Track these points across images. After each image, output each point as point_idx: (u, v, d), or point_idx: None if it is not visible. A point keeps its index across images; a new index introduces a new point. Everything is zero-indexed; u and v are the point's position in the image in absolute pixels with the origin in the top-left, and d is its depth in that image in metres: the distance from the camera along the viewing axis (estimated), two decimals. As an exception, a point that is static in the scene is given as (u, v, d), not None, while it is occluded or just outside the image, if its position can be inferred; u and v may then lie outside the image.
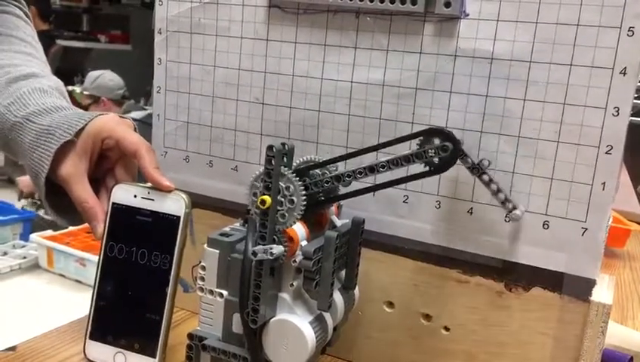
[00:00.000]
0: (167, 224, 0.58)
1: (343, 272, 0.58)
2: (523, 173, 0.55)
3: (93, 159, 0.61)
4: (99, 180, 0.63)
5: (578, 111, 0.53)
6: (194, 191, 0.68)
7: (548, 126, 0.54)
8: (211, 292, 0.56)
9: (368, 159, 0.55)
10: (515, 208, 0.54)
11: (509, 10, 0.54)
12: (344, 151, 0.62)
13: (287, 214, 0.51)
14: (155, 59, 0.71)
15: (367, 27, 0.60)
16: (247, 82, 0.66)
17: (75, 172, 0.59)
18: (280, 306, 0.54)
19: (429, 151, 0.50)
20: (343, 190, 0.56)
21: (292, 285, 0.53)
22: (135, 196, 0.59)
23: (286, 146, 0.51)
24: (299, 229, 0.52)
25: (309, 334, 0.52)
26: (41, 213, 3.46)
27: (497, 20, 0.54)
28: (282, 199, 0.51)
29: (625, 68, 0.51)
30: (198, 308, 0.57)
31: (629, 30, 0.50)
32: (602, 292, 0.55)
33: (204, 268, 0.56)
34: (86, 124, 0.60)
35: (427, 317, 0.61)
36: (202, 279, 0.56)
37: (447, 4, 0.55)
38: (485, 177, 0.53)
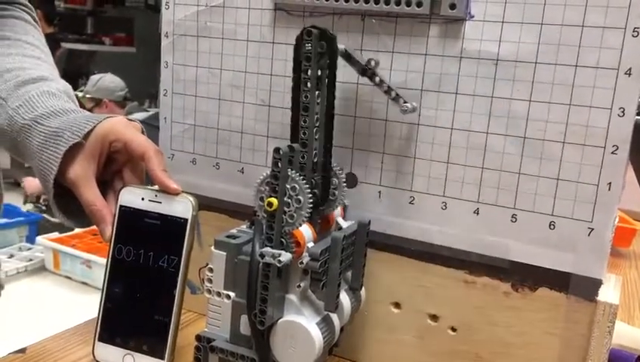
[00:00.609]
0: (174, 226, 0.58)
1: (350, 273, 0.59)
2: (529, 173, 0.56)
3: (101, 162, 0.61)
4: (107, 183, 0.63)
5: (583, 112, 0.53)
6: (201, 193, 0.69)
7: (553, 127, 0.54)
8: (219, 294, 0.56)
9: (372, 159, 0.55)
10: (406, 102, 0.56)
11: (514, 11, 0.54)
12: (350, 153, 0.63)
13: (295, 215, 0.51)
14: (162, 63, 0.71)
15: (373, 29, 0.60)
16: (254, 85, 0.66)
17: (83, 174, 0.59)
18: (287, 307, 0.54)
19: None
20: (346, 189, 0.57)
21: (299, 286, 0.53)
22: (143, 199, 0.59)
23: (292, 148, 0.51)
24: (305, 231, 0.53)
25: (317, 335, 0.52)
26: (46, 215, 3.48)
27: (502, 22, 0.55)
28: (289, 201, 0.51)
29: (630, 68, 0.51)
30: (205, 309, 0.58)
31: (633, 31, 0.50)
32: (609, 292, 0.55)
33: (211, 270, 0.56)
34: (94, 127, 0.60)
35: (434, 317, 0.61)
36: (210, 281, 0.56)
37: (453, 6, 0.55)
38: (376, 78, 0.56)
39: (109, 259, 0.60)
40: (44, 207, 3.44)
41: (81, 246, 2.79)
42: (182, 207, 0.58)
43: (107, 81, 3.51)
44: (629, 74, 0.51)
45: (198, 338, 0.56)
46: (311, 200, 0.51)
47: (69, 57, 4.83)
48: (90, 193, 0.59)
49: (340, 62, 0.61)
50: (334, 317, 0.56)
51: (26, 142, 0.61)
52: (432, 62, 0.58)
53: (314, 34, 0.54)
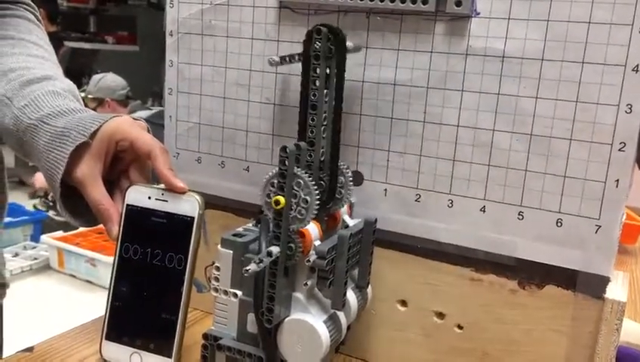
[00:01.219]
0: (181, 225, 0.58)
1: (356, 271, 0.58)
2: (536, 170, 0.56)
3: (107, 161, 0.61)
4: (113, 182, 0.63)
5: (590, 109, 0.53)
6: (206, 191, 0.68)
7: (560, 124, 0.54)
8: (226, 292, 0.56)
9: (379, 157, 0.55)
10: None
11: (520, 8, 0.54)
12: (355, 151, 0.63)
13: (302, 213, 0.51)
14: (167, 61, 0.71)
15: (378, 27, 0.60)
16: (259, 83, 0.66)
17: (90, 174, 0.59)
18: (294, 305, 0.54)
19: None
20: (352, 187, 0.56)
21: (306, 284, 0.53)
22: (149, 198, 0.60)
23: (299, 147, 0.51)
24: (312, 229, 0.53)
25: (324, 333, 0.52)
26: (51, 213, 3.49)
27: (508, 19, 0.55)
28: (296, 199, 0.51)
29: (637, 65, 0.51)
30: (212, 307, 0.58)
31: (641, 27, 0.50)
32: (617, 290, 0.55)
33: (218, 268, 0.56)
34: (100, 126, 0.60)
35: (440, 315, 0.61)
36: (216, 279, 0.56)
37: (458, 3, 0.55)
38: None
39: (116, 258, 0.61)
40: (51, 203, 3.45)
41: (86, 245, 2.79)
42: (188, 206, 0.58)
43: (109, 81, 3.52)
44: (637, 70, 0.51)
45: (205, 336, 0.57)
46: (318, 199, 0.51)
47: (72, 56, 4.83)
48: (97, 192, 0.60)
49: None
50: (341, 315, 0.56)
51: (32, 141, 0.61)
52: (437, 59, 0.58)
53: (323, 32, 0.53)
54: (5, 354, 0.86)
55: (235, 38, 0.67)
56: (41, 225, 3.20)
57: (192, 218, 0.58)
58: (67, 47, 4.89)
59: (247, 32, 0.66)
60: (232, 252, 0.55)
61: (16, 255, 2.92)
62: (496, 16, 0.55)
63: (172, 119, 0.72)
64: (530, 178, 0.56)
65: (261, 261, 0.49)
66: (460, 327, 0.60)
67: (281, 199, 0.49)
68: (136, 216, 0.60)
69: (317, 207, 0.51)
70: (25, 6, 0.76)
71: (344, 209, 0.59)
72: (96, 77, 3.56)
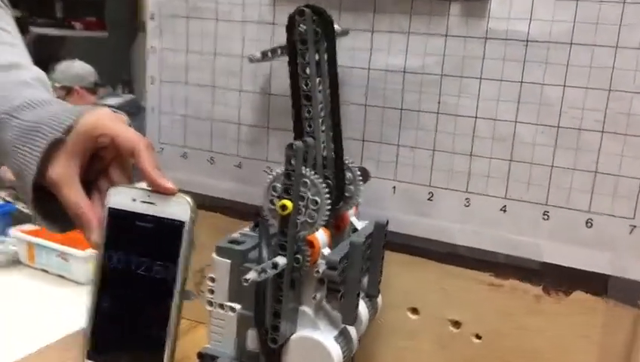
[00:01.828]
0: (170, 230, 0.52)
1: (366, 279, 0.53)
2: (563, 166, 0.51)
3: (85, 159, 0.54)
4: (91, 183, 0.57)
5: (624, 98, 0.48)
6: (192, 190, 0.62)
7: (590, 115, 0.49)
8: (222, 306, 0.50)
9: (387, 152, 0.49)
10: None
11: (547, -14, 0.49)
12: (360, 145, 0.57)
13: (315, 214, 0.45)
14: (148, 47, 0.65)
15: (386, 8, 0.54)
16: (252, 71, 0.60)
17: (65, 174, 0.52)
18: (301, 321, 0.48)
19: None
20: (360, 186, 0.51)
21: (315, 298, 0.47)
22: (134, 200, 0.53)
23: (307, 143, 0.46)
24: (320, 236, 0.47)
25: (336, 352, 0.47)
26: (20, 206, 3.38)
27: (534, -2, 0.49)
28: (304, 201, 0.46)
29: (679, 49, 0.46)
30: (201, 316, 0.52)
31: (684, 7, 0.45)
32: (653, 296, 0.50)
33: (213, 279, 0.51)
34: (77, 120, 0.53)
35: (456, 324, 0.56)
36: (211, 291, 0.51)
37: (478, -19, 0.50)
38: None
39: (98, 267, 0.54)
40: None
41: (57, 238, 2.70)
42: (178, 209, 0.52)
43: (77, 68, 3.40)
44: (679, 55, 0.46)
45: (201, 356, 0.51)
46: (329, 201, 0.45)
47: (39, 43, 4.68)
48: (74, 194, 0.53)
49: (347, 44, 0.55)
50: (352, 329, 0.50)
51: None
52: (453, 43, 0.53)
53: (307, 13, 0.48)
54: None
55: (225, 21, 0.60)
56: (10, 218, 3.10)
57: (183, 222, 0.52)
58: (33, 33, 4.73)
59: (238, 14, 0.60)
60: (229, 261, 0.50)
61: (-17, 250, 2.82)
62: (519, -4, 0.50)
63: (155, 111, 0.66)
64: (557, 174, 0.51)
65: (264, 271, 0.43)
66: (478, 337, 0.56)
67: (288, 203, 0.44)
68: (119, 221, 0.53)
69: (328, 208, 0.45)
70: (-13, -13, 0.69)
71: (352, 210, 0.53)
72: (63, 64, 3.44)
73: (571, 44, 0.49)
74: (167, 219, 0.52)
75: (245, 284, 0.43)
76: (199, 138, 0.64)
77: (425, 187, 0.56)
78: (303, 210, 0.45)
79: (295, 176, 0.44)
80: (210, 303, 0.51)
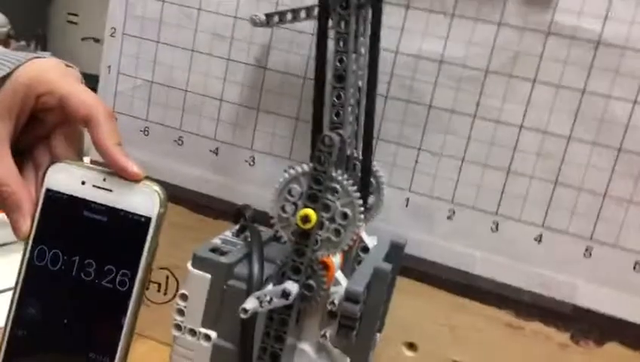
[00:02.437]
0: (130, 227, 0.40)
1: (370, 308, 0.43)
2: (619, 196, 0.43)
3: (20, 122, 0.42)
4: (24, 153, 0.44)
5: (703, 125, 0.41)
6: (153, 175, 0.50)
7: (661, 139, 0.42)
8: (193, 332, 0.39)
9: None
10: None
11: (631, -20, 0.41)
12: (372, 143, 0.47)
13: (342, 231, 0.34)
14: (111, -11, 0.52)
15: (427, -19, 0.44)
16: (246, 36, 0.49)
17: (-8, 139, 0.40)
18: (298, 361, 0.38)
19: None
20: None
21: (324, 336, 0.37)
22: (83, 182, 0.41)
23: (342, 138, 0.35)
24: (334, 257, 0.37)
25: (343, 407, 0.37)
26: None
27: (613, -8, 0.41)
28: (329, 213, 0.35)
29: None
30: (146, 328, 0.41)
31: None
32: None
33: (185, 297, 0.39)
34: (13, 71, 0.41)
35: (462, 367, 0.48)
36: (181, 313, 0.39)
37: (550, -38, 0.41)
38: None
39: (24, 266, 0.41)
40: None
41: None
42: (143, 201, 0.40)
43: (-12, 14, 3.12)
44: None
45: (159, 397, 0.39)
46: (362, 217, 0.35)
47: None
48: (1, 167, 0.40)
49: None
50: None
51: None
52: (506, 34, 0.43)
53: None
54: None
55: (219, -31, 0.49)
56: None
57: (148, 218, 0.40)
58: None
59: (235, -37, 0.48)
60: (209, 276, 0.38)
61: None
62: (595, -13, 0.41)
63: (111, 70, 0.53)
64: (609, 205, 0.43)
65: (270, 299, 0.33)
66: (487, 386, 0.47)
67: (312, 214, 0.33)
68: (60, 208, 0.41)
69: (360, 225, 0.35)
70: None
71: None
72: (-30, 11, 3.15)
73: (650, 53, 0.41)
74: (127, 212, 0.40)
75: (243, 316, 0.32)
76: (167, 111, 0.52)
77: (446, 203, 0.46)
78: (327, 223, 0.35)
79: (326, 179, 0.33)
80: (179, 327, 0.39)
